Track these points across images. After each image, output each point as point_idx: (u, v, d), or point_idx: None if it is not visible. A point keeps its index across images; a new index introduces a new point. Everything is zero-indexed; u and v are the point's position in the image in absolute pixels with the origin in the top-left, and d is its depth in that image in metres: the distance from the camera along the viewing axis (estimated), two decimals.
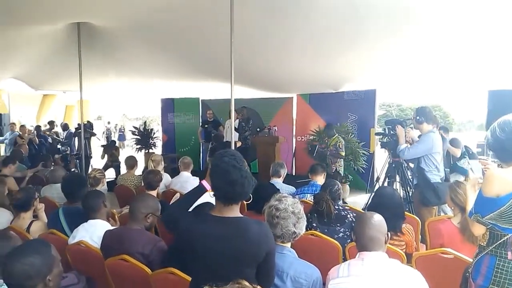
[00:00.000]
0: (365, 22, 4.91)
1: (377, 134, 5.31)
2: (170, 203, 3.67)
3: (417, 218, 3.33)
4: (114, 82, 9.92)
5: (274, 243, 1.76)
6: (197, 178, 4.57)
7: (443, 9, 4.35)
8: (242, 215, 1.72)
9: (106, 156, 8.58)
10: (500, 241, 1.80)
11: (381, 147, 4.80)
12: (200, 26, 5.59)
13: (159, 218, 2.55)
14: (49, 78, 9.21)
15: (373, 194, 3.07)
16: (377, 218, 1.91)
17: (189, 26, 5.61)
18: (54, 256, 1.67)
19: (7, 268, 1.55)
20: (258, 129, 8.02)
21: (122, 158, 7.60)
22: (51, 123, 10.32)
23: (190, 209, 2.03)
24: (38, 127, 9.95)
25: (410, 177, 4.83)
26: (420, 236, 3.35)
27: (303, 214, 2.06)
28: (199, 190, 1.95)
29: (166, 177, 4.76)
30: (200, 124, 9.84)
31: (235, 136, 6.57)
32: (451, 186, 2.75)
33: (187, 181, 4.61)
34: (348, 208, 3.38)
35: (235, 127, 6.94)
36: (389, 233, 1.92)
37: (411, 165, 4.73)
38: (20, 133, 9.01)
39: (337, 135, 6.88)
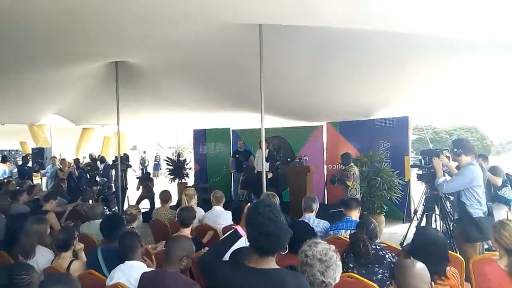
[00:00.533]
0: (393, 49, 4.88)
1: (412, 166, 5.17)
2: (204, 241, 3.70)
3: (461, 258, 3.15)
4: (149, 114, 10.29)
5: None
6: (229, 212, 4.56)
7: (477, 30, 4.24)
8: (278, 267, 1.70)
9: (141, 187, 8.81)
10: None
11: (418, 180, 4.65)
12: (231, 59, 5.76)
13: (194, 260, 2.56)
14: (88, 113, 9.71)
15: (413, 233, 2.95)
16: (419, 267, 1.83)
17: (220, 59, 5.79)
18: None
19: None
20: (289, 159, 8.00)
21: (156, 188, 7.82)
22: (93, 160, 10.68)
23: (228, 253, 2.03)
24: (77, 160, 10.38)
25: (449, 208, 4.63)
26: (464, 275, 3.17)
27: (335, 261, 1.94)
28: (234, 237, 1.95)
29: (199, 212, 4.79)
30: (231, 154, 9.95)
31: (266, 166, 6.57)
32: (495, 226, 2.61)
33: (220, 215, 4.62)
34: (386, 245, 3.28)
35: (265, 157, 6.96)
36: (432, 282, 1.83)
37: (451, 197, 4.54)
38: (61, 166, 9.44)
39: (351, 164, 6.68)
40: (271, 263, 1.69)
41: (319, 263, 1.89)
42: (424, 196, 5.13)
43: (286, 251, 1.73)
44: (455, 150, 3.90)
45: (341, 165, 7.00)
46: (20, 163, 10.99)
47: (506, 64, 5.05)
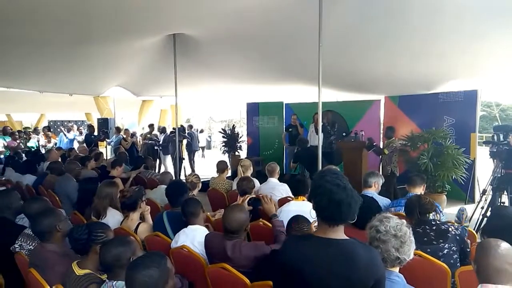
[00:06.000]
0: (463, 17, 4.47)
1: (485, 142, 4.81)
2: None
3: None
4: (204, 86, 10.45)
5: (384, 270, 1.63)
6: (285, 185, 4.58)
7: None
8: (348, 237, 1.62)
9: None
10: None
11: (490, 157, 4.32)
12: (289, 31, 5.61)
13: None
14: (148, 85, 10.05)
15: (489, 213, 2.76)
16: (505, 247, 1.69)
17: (278, 32, 5.66)
18: (169, 268, 1.76)
19: (129, 278, 1.68)
20: (344, 134, 7.79)
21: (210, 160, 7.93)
22: (151, 126, 11.22)
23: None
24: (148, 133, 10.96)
25: None
26: None
27: (409, 237, 1.86)
28: None
29: (256, 183, 4.83)
30: (284, 128, 9.89)
31: (320, 140, 6.43)
32: None
33: (274, 187, 4.63)
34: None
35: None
36: None
37: None
38: (124, 136, 9.93)
39: (393, 138, 7.25)
40: (340, 234, 1.61)
41: (394, 239, 1.81)
42: (494, 176, 4.78)
43: (355, 221, 1.64)
44: None
45: (385, 138, 7.64)
46: (84, 132, 11.74)
47: None
